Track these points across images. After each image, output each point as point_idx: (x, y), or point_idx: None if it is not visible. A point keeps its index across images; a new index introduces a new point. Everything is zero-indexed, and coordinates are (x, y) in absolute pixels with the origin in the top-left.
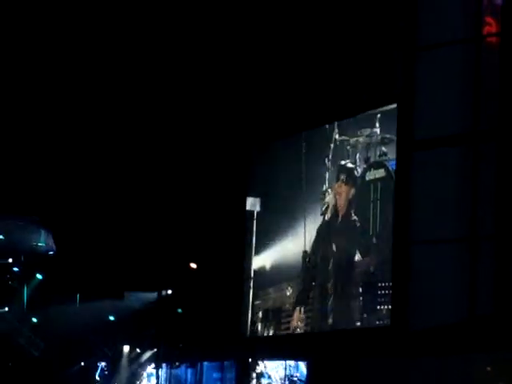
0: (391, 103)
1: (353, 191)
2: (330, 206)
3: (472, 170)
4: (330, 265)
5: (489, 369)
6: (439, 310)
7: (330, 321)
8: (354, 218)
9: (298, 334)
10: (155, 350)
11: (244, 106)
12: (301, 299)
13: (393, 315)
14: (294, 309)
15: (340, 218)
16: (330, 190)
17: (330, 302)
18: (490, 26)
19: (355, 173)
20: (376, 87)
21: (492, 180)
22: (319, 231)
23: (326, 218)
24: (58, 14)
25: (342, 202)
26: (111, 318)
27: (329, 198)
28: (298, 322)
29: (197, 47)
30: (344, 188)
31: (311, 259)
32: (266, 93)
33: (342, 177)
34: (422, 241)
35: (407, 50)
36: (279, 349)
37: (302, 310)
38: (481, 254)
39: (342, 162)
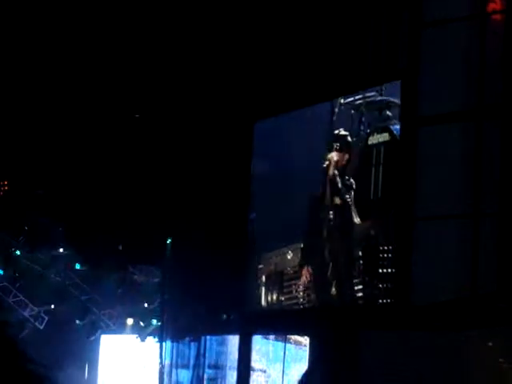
0: (395, 79)
1: (346, 157)
2: (332, 172)
3: (476, 147)
4: (325, 232)
5: (490, 344)
6: (442, 287)
7: (333, 290)
8: (351, 181)
9: (300, 308)
10: (159, 323)
11: (246, 81)
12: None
13: (395, 291)
14: (302, 268)
15: (334, 184)
16: (333, 156)
17: (329, 270)
18: (495, 4)
19: (348, 139)
20: (380, 63)
21: (496, 157)
22: (316, 196)
23: (322, 183)
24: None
25: (334, 169)
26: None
27: (331, 165)
28: (305, 279)
29: (199, 22)
30: (337, 155)
31: (310, 225)
32: (270, 68)
33: (336, 145)
34: (425, 217)
35: (412, 26)
36: (281, 323)
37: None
38: (484, 231)
39: (336, 131)
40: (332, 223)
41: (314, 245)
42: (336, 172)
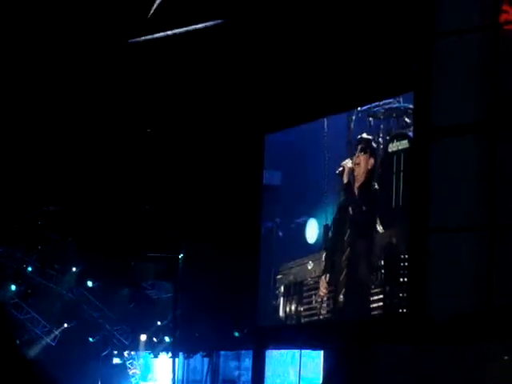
0: (408, 91)
1: (372, 161)
2: (348, 177)
3: (490, 158)
4: (346, 235)
5: (506, 358)
6: (457, 299)
7: (342, 300)
8: (376, 187)
9: (315, 322)
10: (172, 339)
11: (258, 93)
12: (325, 269)
13: (410, 303)
14: (319, 278)
15: (358, 189)
16: (347, 163)
17: (349, 279)
18: (507, 14)
19: (373, 144)
20: (393, 75)
21: (510, 168)
22: (338, 203)
23: (344, 189)
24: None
25: (360, 172)
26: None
27: (345, 172)
28: (324, 290)
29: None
30: (362, 158)
31: (330, 234)
32: (283, 80)
33: (360, 147)
34: (439, 228)
35: (424, 36)
36: (295, 336)
37: (328, 277)
38: (499, 243)
39: (364, 137)
40: (354, 232)
41: (335, 254)
42: (362, 174)
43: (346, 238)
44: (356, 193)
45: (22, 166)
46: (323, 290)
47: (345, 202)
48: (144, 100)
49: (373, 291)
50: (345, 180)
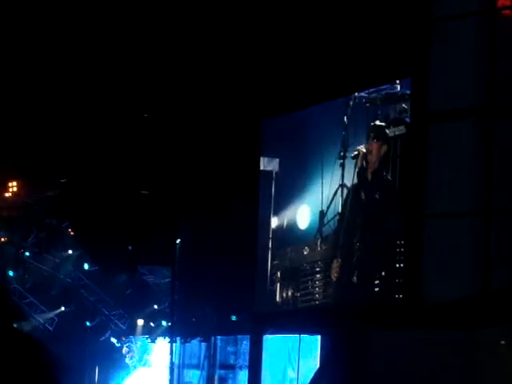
0: (406, 76)
1: (384, 148)
2: (362, 162)
3: (487, 143)
4: (358, 220)
5: (503, 342)
6: (453, 285)
7: (355, 278)
8: (385, 173)
9: (311, 307)
10: (169, 324)
11: (255, 79)
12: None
13: (405, 289)
14: (331, 262)
15: (371, 176)
16: (362, 148)
17: (354, 259)
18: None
19: (386, 131)
20: (390, 60)
21: (507, 154)
22: (350, 190)
23: (358, 173)
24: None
25: (372, 160)
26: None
27: (359, 157)
28: (336, 274)
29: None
30: (375, 145)
31: (341, 218)
32: (279, 66)
33: (373, 135)
34: (435, 214)
35: (421, 22)
36: (292, 322)
37: (340, 261)
38: (496, 228)
39: (377, 124)
40: (365, 217)
41: (345, 238)
42: (375, 161)
43: (357, 223)
44: (369, 178)
45: (21, 150)
46: (335, 274)
47: (358, 187)
48: (142, 86)
49: (372, 276)
50: (359, 164)
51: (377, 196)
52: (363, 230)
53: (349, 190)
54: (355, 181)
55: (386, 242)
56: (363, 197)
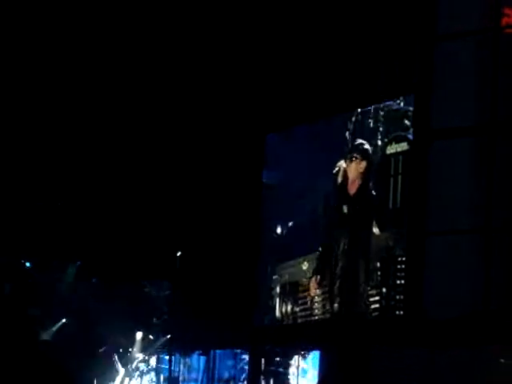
0: (409, 93)
1: (363, 164)
2: (342, 178)
3: (488, 161)
4: (342, 235)
5: (502, 360)
6: (454, 301)
7: (336, 305)
8: (371, 189)
9: (311, 323)
10: (168, 337)
11: (259, 93)
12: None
13: (406, 306)
14: (309, 279)
15: (352, 191)
16: (342, 164)
17: (345, 280)
18: (509, 18)
19: (366, 146)
20: (393, 77)
21: (508, 172)
22: (332, 203)
23: (338, 189)
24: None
25: (352, 174)
26: None
27: (340, 173)
28: (314, 290)
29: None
30: (354, 160)
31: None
32: (284, 80)
33: (355, 155)
34: (436, 231)
35: (425, 39)
36: (291, 336)
37: (318, 278)
38: (496, 245)
39: (356, 142)
40: (350, 234)
41: (331, 255)
42: (355, 178)
43: (341, 238)
44: (350, 193)
45: (19, 162)
46: (313, 290)
47: (339, 202)
48: (146, 99)
49: (370, 293)
50: (339, 180)
51: (358, 209)
52: (348, 246)
53: (332, 205)
54: (336, 197)
55: (381, 259)
56: (346, 211)
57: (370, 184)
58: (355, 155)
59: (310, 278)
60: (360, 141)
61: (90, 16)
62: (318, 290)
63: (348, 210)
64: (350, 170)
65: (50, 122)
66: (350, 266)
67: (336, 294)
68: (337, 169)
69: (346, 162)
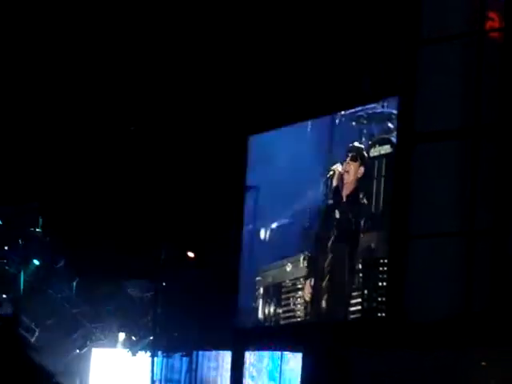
0: (393, 95)
1: (361, 170)
2: (337, 182)
3: (472, 165)
4: (331, 239)
5: (483, 363)
6: (435, 305)
7: (324, 304)
8: (361, 195)
9: (294, 324)
10: (151, 338)
11: (242, 95)
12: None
13: (388, 308)
14: (300, 280)
15: (345, 197)
16: (337, 167)
17: (325, 282)
18: (493, 21)
19: (364, 153)
20: (377, 79)
21: (492, 175)
22: (323, 208)
23: (332, 192)
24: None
25: (349, 180)
26: None
27: (335, 176)
28: (308, 294)
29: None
30: (352, 166)
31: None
32: (267, 82)
33: (351, 155)
34: (419, 235)
35: (409, 42)
36: (274, 338)
37: (313, 281)
38: (479, 249)
39: (355, 146)
40: (339, 236)
41: (318, 257)
42: (350, 181)
43: (329, 242)
44: (344, 199)
45: (3, 161)
46: (307, 293)
47: (332, 206)
48: (130, 99)
49: (352, 294)
50: (334, 184)
51: (351, 216)
52: (336, 249)
53: (323, 208)
54: (329, 200)
55: (363, 261)
56: (337, 216)
57: (361, 191)
58: (355, 160)
59: (300, 279)
60: (359, 145)
61: (83, 15)
62: (309, 292)
63: (340, 214)
64: (349, 174)
65: (34, 119)
66: (338, 269)
67: (322, 295)
68: (331, 172)
69: (342, 165)
